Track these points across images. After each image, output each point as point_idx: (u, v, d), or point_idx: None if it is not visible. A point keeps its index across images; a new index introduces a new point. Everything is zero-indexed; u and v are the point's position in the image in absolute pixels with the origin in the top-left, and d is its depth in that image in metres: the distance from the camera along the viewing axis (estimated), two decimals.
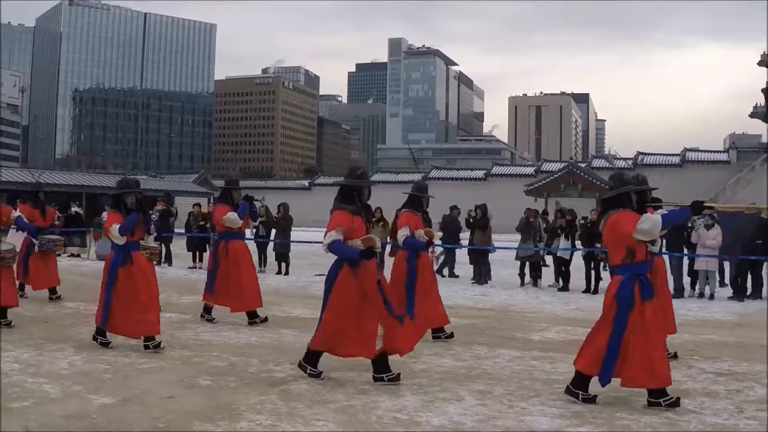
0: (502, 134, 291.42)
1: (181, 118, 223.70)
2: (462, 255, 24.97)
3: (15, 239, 15.09)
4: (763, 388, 8.93)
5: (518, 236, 22.71)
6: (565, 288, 20.66)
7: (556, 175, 68.53)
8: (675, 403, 7.83)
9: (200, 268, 25.24)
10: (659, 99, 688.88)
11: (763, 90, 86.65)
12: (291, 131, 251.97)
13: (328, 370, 9.20)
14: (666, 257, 20.03)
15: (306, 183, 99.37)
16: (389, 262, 23.31)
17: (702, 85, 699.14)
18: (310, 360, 9.00)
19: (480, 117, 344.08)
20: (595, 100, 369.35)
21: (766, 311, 16.15)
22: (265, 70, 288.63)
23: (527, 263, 22.02)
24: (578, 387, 8.13)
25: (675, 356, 10.45)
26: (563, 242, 21.22)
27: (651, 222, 7.93)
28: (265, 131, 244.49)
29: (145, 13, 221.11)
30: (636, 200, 8.45)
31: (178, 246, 27.85)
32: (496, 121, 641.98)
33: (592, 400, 8.02)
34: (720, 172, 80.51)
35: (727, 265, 21.20)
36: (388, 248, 23.55)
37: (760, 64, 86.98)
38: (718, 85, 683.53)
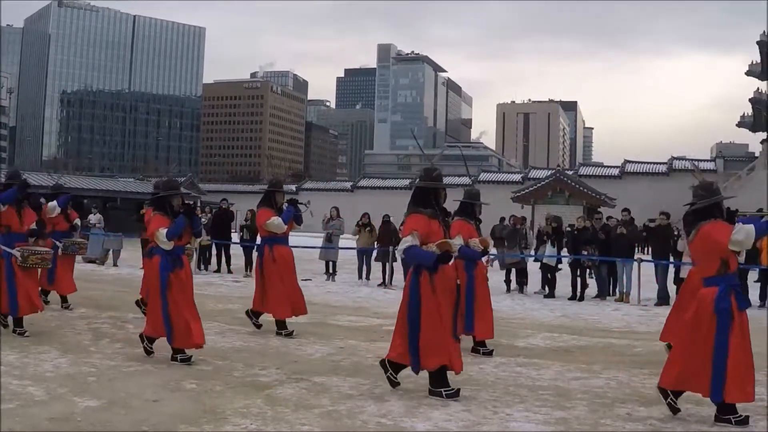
0: (490, 141, 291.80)
1: (169, 122, 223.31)
2: None
3: None
4: None
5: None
6: (551, 295, 20.70)
7: (543, 183, 68.73)
8: (744, 422, 7.59)
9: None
10: (646, 107, 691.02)
11: (750, 99, 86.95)
12: (279, 136, 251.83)
13: (312, 375, 9.20)
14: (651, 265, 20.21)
15: (293, 188, 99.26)
16: (376, 267, 23.51)
17: (689, 94, 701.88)
18: (439, 381, 8.51)
19: (468, 123, 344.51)
20: (582, 107, 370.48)
21: (766, 318, 16.20)
22: (253, 75, 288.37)
23: (513, 270, 22.06)
24: (725, 413, 7.68)
25: None
26: (549, 249, 21.26)
27: (745, 232, 7.68)
28: (253, 135, 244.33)
29: (135, 16, 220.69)
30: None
31: None
32: (484, 128, 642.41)
33: (744, 421, 7.64)
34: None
35: None
36: (375, 254, 23.67)
37: (748, 73, 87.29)
38: (705, 94, 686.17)
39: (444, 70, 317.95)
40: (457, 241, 9.20)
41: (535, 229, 27.38)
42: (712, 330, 7.66)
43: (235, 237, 28.77)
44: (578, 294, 20.23)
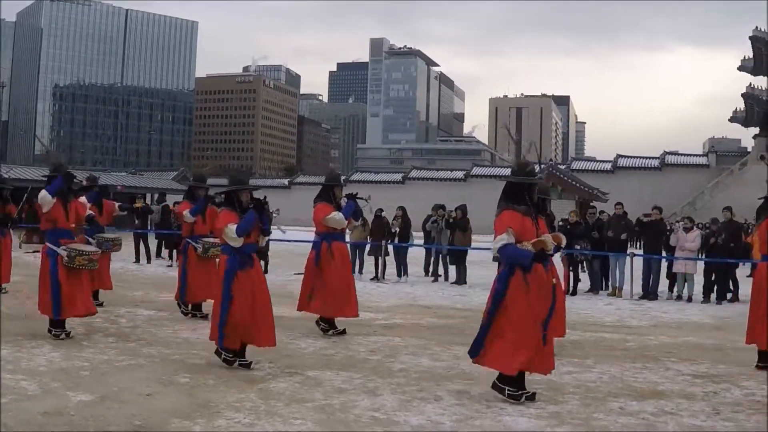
0: (483, 135, 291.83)
1: (161, 116, 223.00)
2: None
3: None
4: (739, 390, 8.99)
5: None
6: None
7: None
8: None
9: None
10: (638, 102, 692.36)
11: (743, 95, 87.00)
12: (271, 130, 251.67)
13: (305, 369, 9.21)
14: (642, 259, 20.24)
15: (286, 182, 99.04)
16: (369, 261, 23.51)
17: (681, 89, 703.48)
18: (509, 380, 8.20)
19: (460, 118, 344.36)
20: (575, 102, 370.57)
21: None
22: (246, 69, 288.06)
23: None
24: None
25: None
26: None
27: None
28: (246, 129, 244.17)
29: (127, 10, 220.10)
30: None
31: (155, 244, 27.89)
32: (476, 123, 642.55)
33: None
34: (699, 176, 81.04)
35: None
36: (368, 248, 23.68)
37: (740, 69, 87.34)
38: (697, 89, 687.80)
39: (437, 65, 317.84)
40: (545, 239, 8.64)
41: None
42: None
43: None
44: (571, 288, 20.22)
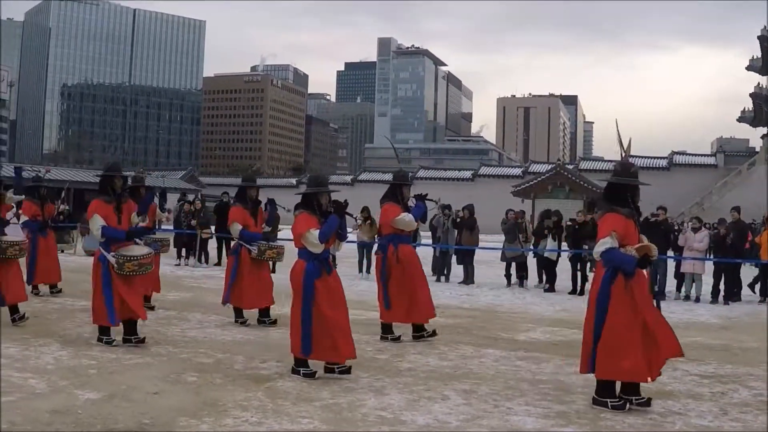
0: (490, 135, 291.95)
1: (169, 115, 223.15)
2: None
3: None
4: (747, 390, 8.98)
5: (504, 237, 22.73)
6: (551, 289, 20.69)
7: (543, 177, 68.68)
8: None
9: (187, 265, 25.27)
10: (645, 102, 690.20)
11: (751, 94, 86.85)
12: (279, 129, 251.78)
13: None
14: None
15: (293, 181, 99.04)
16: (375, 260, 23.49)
17: (687, 89, 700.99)
18: (608, 392, 7.94)
19: (468, 117, 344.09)
20: (583, 102, 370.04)
21: (766, 313, 16.19)
22: (253, 68, 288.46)
23: (513, 263, 22.05)
24: None
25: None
26: (550, 243, 21.25)
27: None
28: (254, 129, 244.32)
29: (135, 9, 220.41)
30: None
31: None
32: (484, 122, 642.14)
33: None
34: (707, 175, 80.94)
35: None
36: (375, 247, 23.66)
37: (748, 68, 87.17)
38: (704, 88, 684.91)
39: (444, 64, 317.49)
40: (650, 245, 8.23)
41: (534, 222, 27.33)
42: None
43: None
44: (578, 288, 20.21)
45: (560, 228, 21.48)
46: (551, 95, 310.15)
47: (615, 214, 7.97)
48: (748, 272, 21.51)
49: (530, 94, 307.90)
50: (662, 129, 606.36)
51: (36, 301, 14.90)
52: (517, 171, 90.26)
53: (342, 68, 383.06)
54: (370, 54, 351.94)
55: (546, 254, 21.17)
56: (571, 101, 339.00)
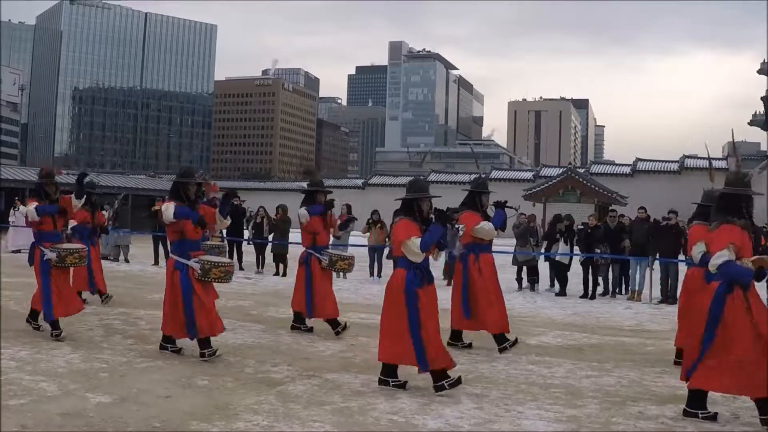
0: (501, 139, 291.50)
1: (180, 119, 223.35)
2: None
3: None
4: None
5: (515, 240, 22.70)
6: (562, 293, 20.65)
7: (554, 181, 68.54)
8: None
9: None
10: (656, 105, 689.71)
11: (762, 98, 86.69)
12: (290, 133, 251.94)
13: (324, 372, 9.20)
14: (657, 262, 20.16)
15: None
16: (387, 264, 23.48)
17: (698, 93, 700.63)
18: (700, 403, 7.80)
19: (479, 121, 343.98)
20: (594, 106, 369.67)
21: None
22: (265, 72, 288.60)
23: (524, 267, 22.01)
24: None
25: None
26: (562, 247, 21.21)
27: None
28: (265, 133, 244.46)
29: (146, 13, 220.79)
30: None
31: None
32: (495, 126, 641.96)
33: None
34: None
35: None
36: (386, 251, 23.65)
37: (760, 72, 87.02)
38: (715, 92, 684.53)
39: (455, 68, 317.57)
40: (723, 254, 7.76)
41: (545, 226, 27.27)
42: None
43: (246, 234, 28.70)
44: (590, 292, 20.18)
45: (572, 232, 21.44)
46: (562, 99, 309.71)
47: (732, 226, 7.72)
48: None
49: (541, 97, 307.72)
50: (674, 132, 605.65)
51: None
52: (529, 175, 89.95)
53: (353, 72, 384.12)
54: (382, 58, 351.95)
55: (558, 258, 21.12)
56: (582, 105, 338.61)
